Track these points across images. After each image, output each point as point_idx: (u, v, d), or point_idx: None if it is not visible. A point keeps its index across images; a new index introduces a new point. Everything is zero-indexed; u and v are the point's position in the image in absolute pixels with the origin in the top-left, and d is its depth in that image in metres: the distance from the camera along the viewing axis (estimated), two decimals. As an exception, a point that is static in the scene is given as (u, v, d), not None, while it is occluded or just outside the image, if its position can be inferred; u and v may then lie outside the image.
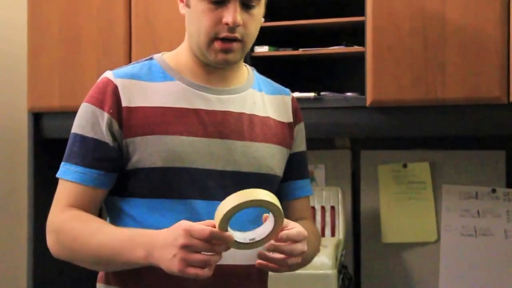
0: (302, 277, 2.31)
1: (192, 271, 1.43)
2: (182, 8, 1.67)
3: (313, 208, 2.61)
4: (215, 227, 1.43)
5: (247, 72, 1.75)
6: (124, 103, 1.61)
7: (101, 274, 1.70)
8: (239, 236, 1.46)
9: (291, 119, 1.78)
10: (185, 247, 1.42)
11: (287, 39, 2.52)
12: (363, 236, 2.70)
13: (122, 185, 1.63)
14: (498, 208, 2.54)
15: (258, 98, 1.73)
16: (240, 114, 1.68)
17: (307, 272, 2.29)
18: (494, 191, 2.55)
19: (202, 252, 1.43)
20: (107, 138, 1.60)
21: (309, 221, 1.83)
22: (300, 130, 1.80)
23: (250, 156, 1.66)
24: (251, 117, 1.69)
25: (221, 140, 1.64)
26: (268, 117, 1.72)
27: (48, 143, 2.70)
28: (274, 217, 1.47)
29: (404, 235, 2.64)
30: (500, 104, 2.15)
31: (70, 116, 1.65)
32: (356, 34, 2.37)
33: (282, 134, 1.74)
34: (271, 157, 1.70)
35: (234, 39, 1.60)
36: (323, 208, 2.61)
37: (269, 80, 1.81)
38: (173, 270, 1.44)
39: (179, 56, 1.70)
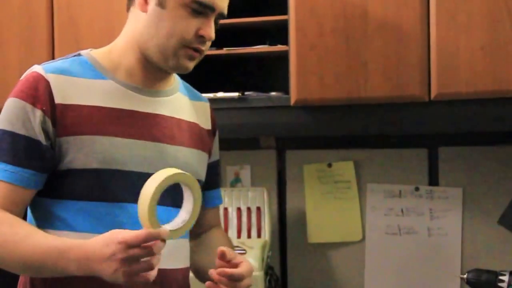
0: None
1: (139, 279, 1.39)
2: (142, 6, 1.60)
3: (239, 209, 2.59)
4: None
5: (173, 75, 1.73)
6: (57, 100, 1.55)
7: (23, 281, 1.63)
8: (168, 226, 1.45)
9: (210, 127, 1.79)
10: (125, 260, 1.38)
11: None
12: (289, 237, 2.69)
13: (53, 186, 1.56)
14: (421, 206, 2.56)
15: (184, 102, 1.73)
16: (171, 118, 1.66)
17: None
18: (417, 189, 2.57)
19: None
20: (39, 137, 1.53)
21: (221, 228, 1.89)
22: (217, 139, 1.83)
23: (181, 161, 1.64)
24: (180, 121, 1.68)
25: (154, 143, 1.61)
26: (194, 123, 1.73)
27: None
28: (190, 190, 1.47)
29: (330, 235, 2.64)
30: (422, 102, 2.16)
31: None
32: (280, 33, 2.37)
33: (205, 140, 1.76)
34: (197, 163, 1.71)
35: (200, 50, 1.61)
36: (249, 209, 2.59)
37: (188, 85, 1.81)
38: (119, 282, 1.40)
39: (111, 54, 1.65)
